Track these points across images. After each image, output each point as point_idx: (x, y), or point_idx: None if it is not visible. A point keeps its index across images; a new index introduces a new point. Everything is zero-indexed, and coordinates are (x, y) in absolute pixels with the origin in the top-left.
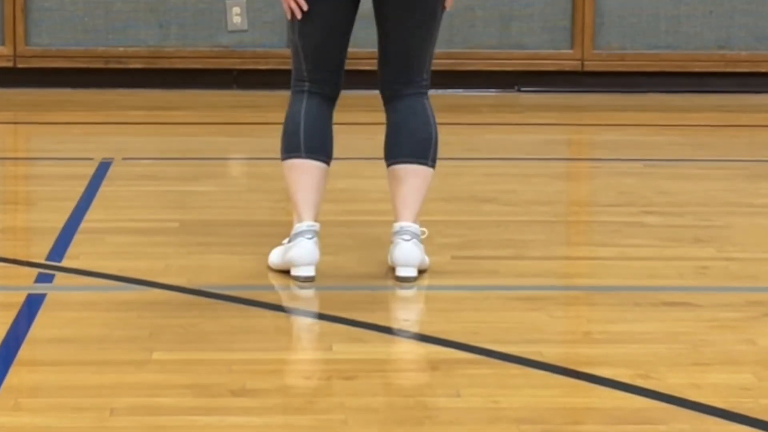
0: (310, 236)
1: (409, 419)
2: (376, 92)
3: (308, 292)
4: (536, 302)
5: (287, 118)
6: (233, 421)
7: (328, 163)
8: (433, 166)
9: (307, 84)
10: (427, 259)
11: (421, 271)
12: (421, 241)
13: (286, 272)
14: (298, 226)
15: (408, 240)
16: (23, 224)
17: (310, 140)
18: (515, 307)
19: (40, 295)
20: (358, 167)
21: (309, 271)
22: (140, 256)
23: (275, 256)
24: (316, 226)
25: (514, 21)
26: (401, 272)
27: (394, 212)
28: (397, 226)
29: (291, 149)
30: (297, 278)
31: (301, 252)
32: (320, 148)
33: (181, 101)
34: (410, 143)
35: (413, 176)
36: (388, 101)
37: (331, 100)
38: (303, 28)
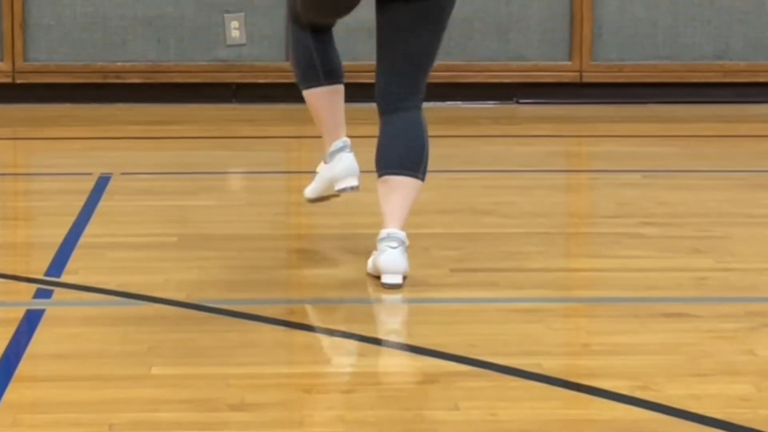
0: (349, 150)
1: None
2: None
3: (306, 306)
4: (535, 314)
5: (296, 50)
6: None
7: (343, 81)
8: (423, 179)
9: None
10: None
11: (404, 277)
12: (407, 249)
13: (288, 284)
14: (335, 144)
15: (395, 248)
16: (22, 239)
17: (325, 66)
18: (514, 320)
19: (39, 310)
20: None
21: (354, 182)
22: (139, 271)
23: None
24: (349, 141)
25: (513, 33)
26: (387, 279)
27: (383, 219)
28: (384, 232)
29: (311, 79)
30: (343, 189)
31: (345, 165)
32: (335, 71)
33: (179, 115)
34: (403, 155)
35: (404, 186)
36: (386, 112)
37: (330, 31)
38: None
